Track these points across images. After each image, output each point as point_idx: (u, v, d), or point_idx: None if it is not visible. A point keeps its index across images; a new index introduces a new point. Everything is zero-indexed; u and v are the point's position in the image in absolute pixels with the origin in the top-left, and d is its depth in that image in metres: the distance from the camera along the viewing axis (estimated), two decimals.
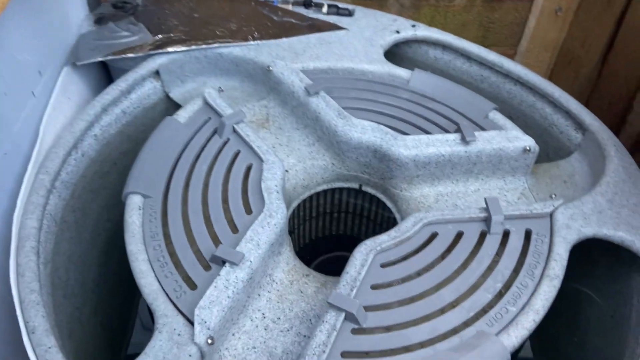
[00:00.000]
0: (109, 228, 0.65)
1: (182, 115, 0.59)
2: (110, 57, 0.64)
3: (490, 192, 0.58)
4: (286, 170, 0.59)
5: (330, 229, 0.69)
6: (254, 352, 0.45)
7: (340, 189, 0.63)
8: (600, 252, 0.55)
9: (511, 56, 0.82)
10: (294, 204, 0.60)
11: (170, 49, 0.64)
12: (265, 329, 0.47)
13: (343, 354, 0.42)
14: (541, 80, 0.63)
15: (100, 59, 0.64)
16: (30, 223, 0.47)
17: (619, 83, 0.63)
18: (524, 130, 0.59)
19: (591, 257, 0.57)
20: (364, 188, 0.61)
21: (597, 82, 0.67)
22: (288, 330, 0.47)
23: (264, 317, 0.48)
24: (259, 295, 0.49)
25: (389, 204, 0.60)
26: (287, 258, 0.52)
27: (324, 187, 0.62)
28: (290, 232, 0.59)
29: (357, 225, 0.68)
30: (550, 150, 0.65)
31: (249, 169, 0.54)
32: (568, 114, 0.61)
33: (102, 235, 0.64)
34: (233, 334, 0.46)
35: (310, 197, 0.62)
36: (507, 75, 0.66)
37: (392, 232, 0.49)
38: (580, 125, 0.61)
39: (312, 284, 0.50)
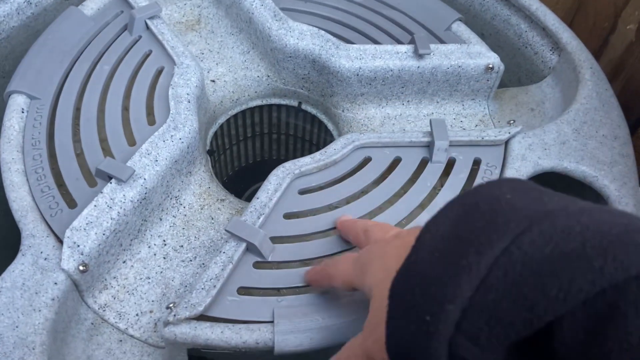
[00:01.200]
0: None
1: (89, 6, 0.49)
2: None
3: (445, 117, 0.50)
4: (212, 81, 0.51)
5: (270, 153, 0.62)
6: (147, 283, 0.39)
7: (278, 106, 0.55)
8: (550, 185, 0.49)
9: None
10: (221, 120, 0.52)
11: None
12: (164, 258, 0.41)
13: (240, 290, 0.36)
14: None
15: None
16: None
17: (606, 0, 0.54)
18: (495, 49, 0.50)
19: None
20: (303, 106, 0.54)
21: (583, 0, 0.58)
22: (191, 260, 0.41)
23: (165, 245, 0.41)
24: (161, 219, 0.42)
25: (329, 126, 0.53)
26: (201, 180, 0.45)
27: (258, 102, 0.54)
28: (213, 152, 0.52)
29: (300, 149, 0.61)
30: (522, 74, 0.57)
31: (159, 72, 0.46)
32: (545, 31, 0.53)
33: None
34: (124, 262, 0.40)
35: (243, 113, 0.54)
36: None
37: (317, 154, 0.42)
38: (557, 45, 0.52)
39: (226, 210, 0.44)
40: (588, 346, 0.18)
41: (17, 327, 0.33)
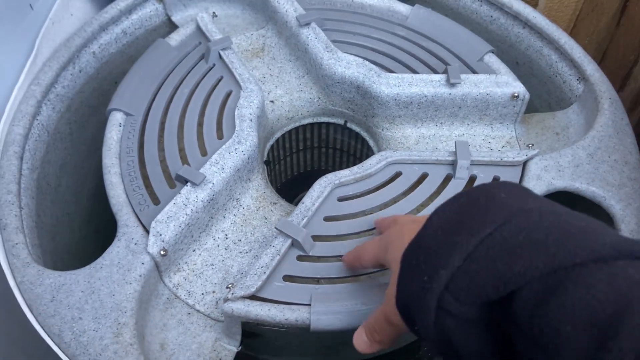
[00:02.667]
0: None
1: (174, 38, 0.59)
2: None
3: (475, 138, 0.57)
4: (272, 101, 0.60)
5: (319, 164, 0.70)
6: (212, 269, 0.48)
7: (327, 124, 0.63)
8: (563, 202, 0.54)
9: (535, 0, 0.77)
10: (277, 135, 0.61)
11: None
12: (225, 249, 0.49)
13: (285, 277, 0.44)
14: (549, 24, 0.59)
15: None
16: (17, 130, 0.51)
17: (634, 33, 0.58)
18: (528, 77, 0.56)
19: None
20: (348, 125, 0.61)
21: (615, 32, 0.62)
22: (247, 252, 0.49)
23: (226, 238, 0.50)
24: (224, 217, 0.51)
25: (371, 142, 0.60)
26: (257, 185, 0.53)
27: (310, 120, 0.62)
28: (269, 163, 0.60)
29: (345, 162, 0.68)
30: (553, 100, 0.62)
31: (228, 95, 0.55)
32: (573, 62, 0.58)
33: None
34: (194, 250, 0.49)
35: (296, 130, 0.63)
36: (515, 17, 0.62)
37: (355, 168, 0.49)
38: (582, 76, 0.57)
39: (278, 212, 0.52)
40: (538, 309, 0.24)
41: (113, 295, 0.42)
